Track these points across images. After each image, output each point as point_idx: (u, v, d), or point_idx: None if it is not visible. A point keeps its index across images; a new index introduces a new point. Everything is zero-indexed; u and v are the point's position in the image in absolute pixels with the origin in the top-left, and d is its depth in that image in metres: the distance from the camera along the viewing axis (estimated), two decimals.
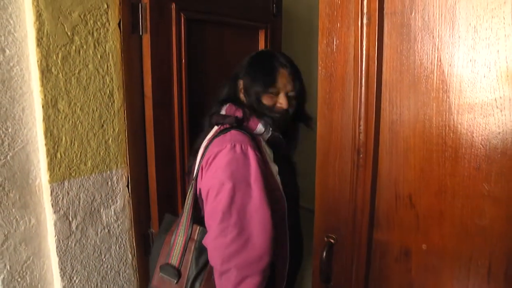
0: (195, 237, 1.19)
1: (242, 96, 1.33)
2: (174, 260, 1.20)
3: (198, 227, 1.19)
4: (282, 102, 1.29)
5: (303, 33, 2.33)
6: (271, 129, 1.30)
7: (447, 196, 0.81)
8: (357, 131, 0.89)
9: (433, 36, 0.78)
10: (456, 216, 0.81)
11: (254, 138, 1.24)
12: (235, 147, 1.16)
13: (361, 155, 0.89)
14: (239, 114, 1.29)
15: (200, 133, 1.36)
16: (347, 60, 0.89)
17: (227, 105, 1.32)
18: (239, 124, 1.27)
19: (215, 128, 1.29)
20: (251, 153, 1.16)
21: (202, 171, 1.21)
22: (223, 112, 1.31)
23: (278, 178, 1.25)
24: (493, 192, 0.76)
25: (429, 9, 0.78)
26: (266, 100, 1.29)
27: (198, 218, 1.21)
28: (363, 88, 0.86)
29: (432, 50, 0.79)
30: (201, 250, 1.17)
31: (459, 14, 0.75)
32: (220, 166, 1.17)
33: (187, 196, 1.24)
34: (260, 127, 1.29)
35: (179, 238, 1.23)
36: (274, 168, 1.25)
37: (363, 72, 0.86)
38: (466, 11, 0.74)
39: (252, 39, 1.87)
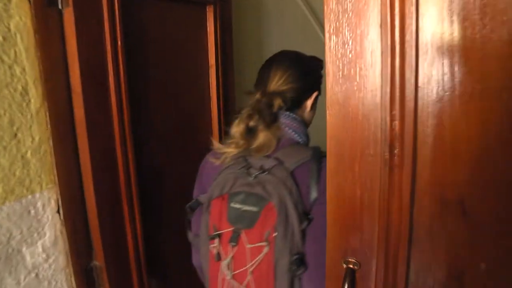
0: None
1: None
2: None
3: None
4: None
5: (255, 9, 2.06)
6: None
7: None
8: (388, 119, 0.63)
9: None
10: None
11: None
12: None
13: (395, 152, 0.64)
14: None
15: None
16: (369, 15, 0.62)
17: None
18: None
19: None
20: None
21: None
22: None
23: None
24: None
25: None
26: None
27: None
28: (396, 53, 0.60)
29: None
30: None
31: None
32: None
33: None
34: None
35: None
36: None
37: (396, 26, 0.60)
38: None
39: (199, 17, 1.58)
